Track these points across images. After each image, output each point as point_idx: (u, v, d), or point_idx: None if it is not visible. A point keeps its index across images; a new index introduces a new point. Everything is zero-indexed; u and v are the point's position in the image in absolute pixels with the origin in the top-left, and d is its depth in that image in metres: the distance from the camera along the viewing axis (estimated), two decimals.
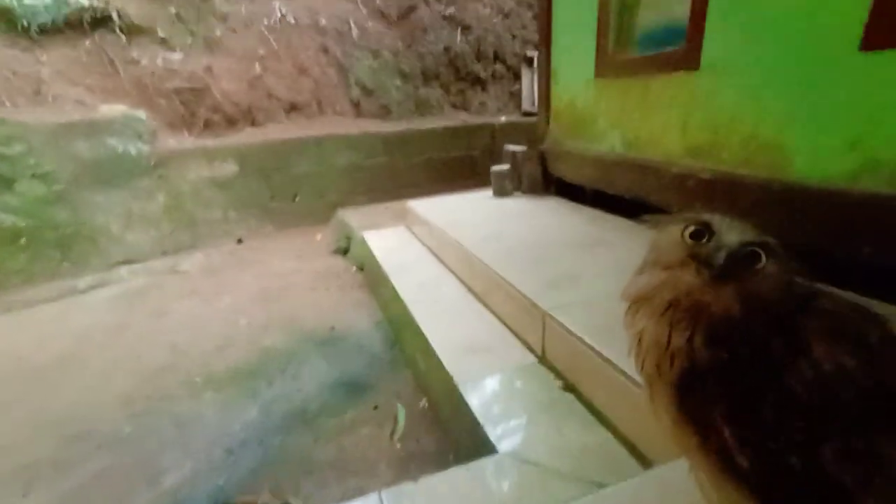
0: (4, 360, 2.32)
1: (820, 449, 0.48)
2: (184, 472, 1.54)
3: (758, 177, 1.85)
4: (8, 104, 3.59)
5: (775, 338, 0.54)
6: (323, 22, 4.98)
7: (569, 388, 1.47)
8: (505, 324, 1.90)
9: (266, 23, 4.78)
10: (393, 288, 2.40)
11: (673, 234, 0.63)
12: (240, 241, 4.17)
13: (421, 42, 5.34)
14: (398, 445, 1.65)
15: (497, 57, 5.75)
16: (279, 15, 4.82)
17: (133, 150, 3.74)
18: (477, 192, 3.87)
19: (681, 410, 0.60)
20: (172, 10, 4.43)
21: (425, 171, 4.99)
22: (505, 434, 1.29)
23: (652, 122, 2.39)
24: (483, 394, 1.47)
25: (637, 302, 0.67)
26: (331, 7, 5.09)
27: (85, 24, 4.07)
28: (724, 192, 1.97)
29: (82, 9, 4.02)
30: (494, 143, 5.29)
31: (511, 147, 3.51)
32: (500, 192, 3.40)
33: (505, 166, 3.42)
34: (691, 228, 0.60)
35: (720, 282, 0.54)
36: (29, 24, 3.83)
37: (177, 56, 4.38)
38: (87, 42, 4.08)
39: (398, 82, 5.24)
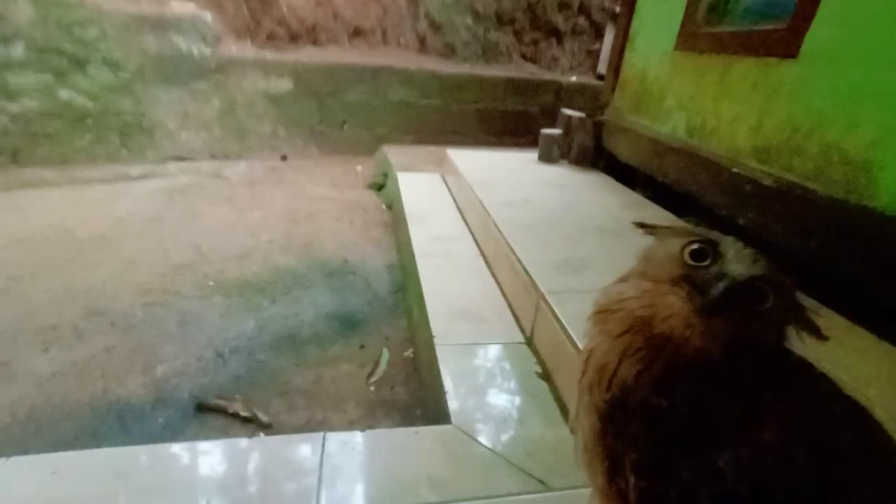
0: (55, 231, 2.56)
1: None
2: (175, 366, 1.67)
3: (829, 195, 1.62)
4: None
5: (731, 403, 0.46)
6: None
7: (545, 376, 1.43)
8: (505, 296, 1.85)
9: None
10: (408, 234, 2.38)
11: (672, 246, 0.55)
12: (284, 157, 4.26)
13: None
14: (372, 388, 1.70)
15: (582, 8, 5.25)
16: None
17: (196, 51, 3.81)
18: (523, 152, 3.69)
19: (597, 439, 0.56)
20: None
21: (478, 121, 4.80)
22: (464, 408, 1.28)
23: (723, 111, 2.12)
24: (457, 362, 1.46)
25: (603, 312, 0.61)
26: None
27: None
28: (784, 205, 1.75)
29: None
30: (558, 102, 4.96)
31: (568, 111, 3.27)
32: (546, 158, 3.22)
33: (556, 130, 3.21)
34: (694, 245, 0.51)
35: (710, 315, 0.45)
36: None
37: None
38: None
39: (469, 21, 4.94)
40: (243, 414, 1.47)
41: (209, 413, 1.50)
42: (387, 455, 1.11)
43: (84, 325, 1.85)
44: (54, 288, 2.06)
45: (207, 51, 3.86)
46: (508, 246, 1.83)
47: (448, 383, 1.36)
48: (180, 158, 3.86)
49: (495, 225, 2.03)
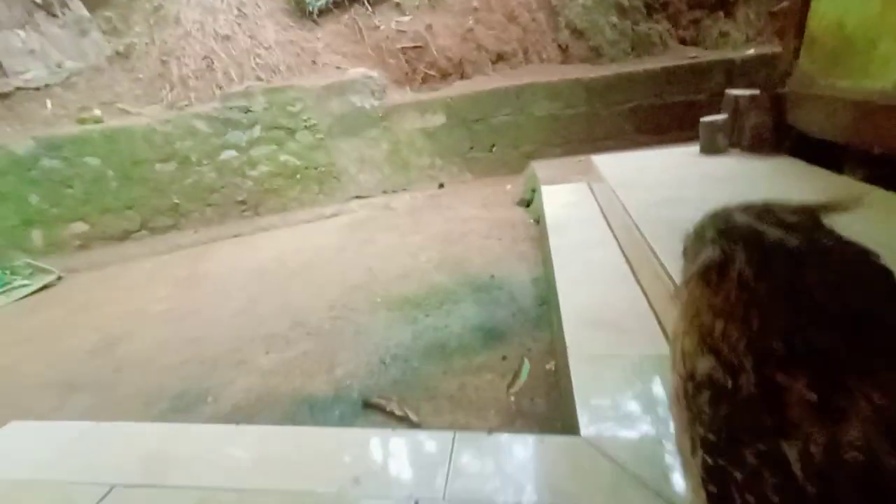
0: (276, 263, 3.35)
1: None
2: (349, 369, 2.02)
3: None
4: (297, 73, 4.80)
5: (804, 387, 0.39)
6: None
7: None
8: (651, 305, 1.70)
9: None
10: (548, 243, 2.38)
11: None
12: (441, 185, 4.69)
13: None
14: (512, 399, 1.74)
15: None
16: None
17: (367, 105, 4.54)
18: (684, 147, 3.30)
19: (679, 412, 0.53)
20: None
21: (632, 121, 4.47)
22: (595, 420, 1.23)
23: None
24: (591, 373, 1.41)
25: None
26: None
27: (345, 2, 4.99)
28: None
29: None
30: (731, 83, 4.27)
31: (734, 92, 2.82)
32: (710, 149, 2.83)
33: (720, 116, 2.79)
34: None
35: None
36: (313, 8, 4.92)
37: (406, 18, 4.96)
38: (346, 17, 5.01)
39: (614, 19, 4.69)
40: (398, 413, 1.69)
41: (372, 409, 1.76)
42: (511, 459, 1.14)
43: (291, 334, 2.38)
44: (274, 305, 2.70)
45: (376, 103, 4.56)
46: (650, 248, 1.68)
47: (579, 395, 1.33)
48: (360, 196, 4.62)
49: (636, 227, 1.88)
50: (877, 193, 1.90)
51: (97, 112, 4.29)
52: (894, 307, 0.42)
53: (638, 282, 1.85)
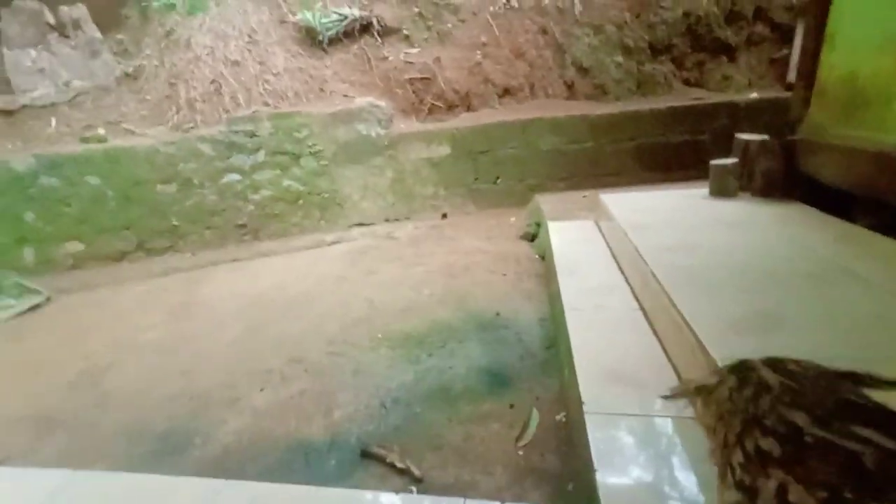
0: (275, 290, 3.25)
1: None
2: (348, 412, 1.91)
3: None
4: (304, 100, 4.82)
5: None
6: (545, 1, 4.88)
7: None
8: (668, 357, 1.62)
9: (491, 10, 5.00)
10: (558, 286, 2.31)
11: None
12: (444, 216, 4.65)
13: (653, 10, 4.69)
14: (521, 452, 1.64)
15: (759, 15, 4.58)
16: (503, 0, 4.95)
17: (373, 134, 4.55)
18: (691, 188, 3.28)
19: None
20: (416, 9, 5.08)
21: (636, 159, 4.48)
22: (615, 492, 1.14)
23: None
24: (610, 434, 1.32)
25: None
26: None
27: (355, 33, 5.07)
28: None
29: (355, 20, 5.00)
30: (735, 126, 4.32)
31: (744, 136, 2.82)
32: (720, 192, 2.80)
33: (730, 160, 2.78)
34: None
35: None
36: (323, 37, 4.99)
37: (415, 50, 5.03)
38: (355, 47, 5.08)
39: (619, 58, 4.77)
40: (399, 465, 1.57)
41: (372, 459, 1.65)
42: None
43: (287, 370, 2.27)
44: (271, 338, 2.60)
45: (382, 132, 4.57)
46: (669, 298, 1.62)
47: (598, 461, 1.23)
48: (362, 224, 4.56)
49: (652, 273, 1.82)
50: (888, 243, 1.86)
51: (101, 131, 4.27)
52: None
53: (654, 331, 1.78)
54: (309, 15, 4.85)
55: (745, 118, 4.27)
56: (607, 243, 2.76)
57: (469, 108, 4.91)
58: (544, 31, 4.92)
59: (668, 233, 2.23)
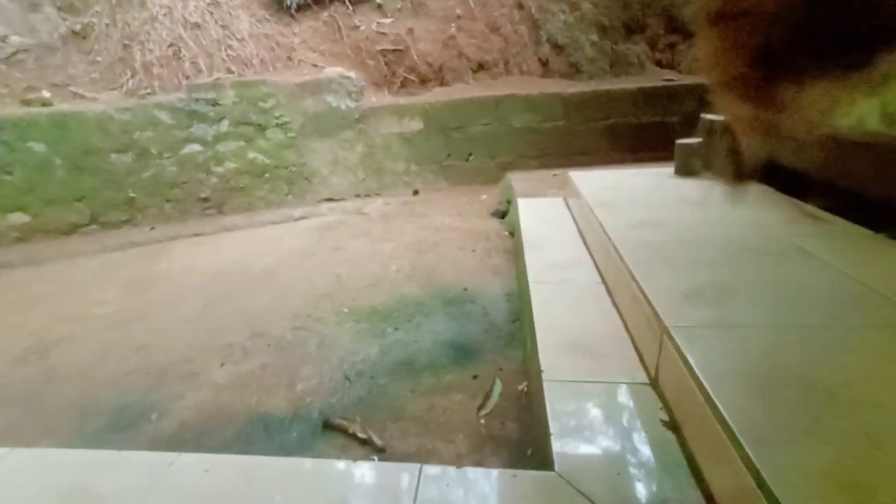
0: (237, 265, 3.16)
1: None
2: (311, 384, 1.89)
3: None
4: (270, 68, 4.61)
5: None
6: None
7: (671, 426, 1.22)
8: (627, 329, 1.66)
9: None
10: (524, 261, 2.33)
11: None
12: (416, 192, 4.59)
13: None
14: (482, 421, 1.66)
15: None
16: None
17: (343, 106, 4.41)
18: (658, 167, 3.34)
19: None
20: None
21: (607, 138, 4.52)
22: (570, 455, 1.17)
23: None
24: (567, 401, 1.35)
25: None
26: None
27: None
28: None
29: None
30: (703, 108, 4.39)
31: (710, 115, 2.87)
32: (684, 171, 2.87)
33: (695, 140, 2.84)
34: None
35: None
36: (291, 2, 4.75)
37: (387, 20, 4.86)
38: (325, 14, 4.87)
39: (594, 37, 4.75)
40: (361, 436, 1.57)
41: (333, 431, 1.64)
42: (480, 496, 1.06)
43: (249, 344, 2.22)
44: (233, 313, 2.53)
45: (353, 104, 4.44)
46: (629, 271, 1.65)
47: (554, 425, 1.26)
48: (331, 199, 4.46)
49: (615, 248, 1.85)
50: (837, 224, 1.95)
51: (46, 94, 3.97)
52: None
53: (615, 305, 1.82)
54: None
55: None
56: (574, 220, 2.79)
57: (442, 83, 4.82)
58: (520, 6, 4.83)
59: (633, 211, 2.27)
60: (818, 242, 1.77)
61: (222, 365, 2.10)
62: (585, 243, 2.43)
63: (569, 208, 3.01)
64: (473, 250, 3.21)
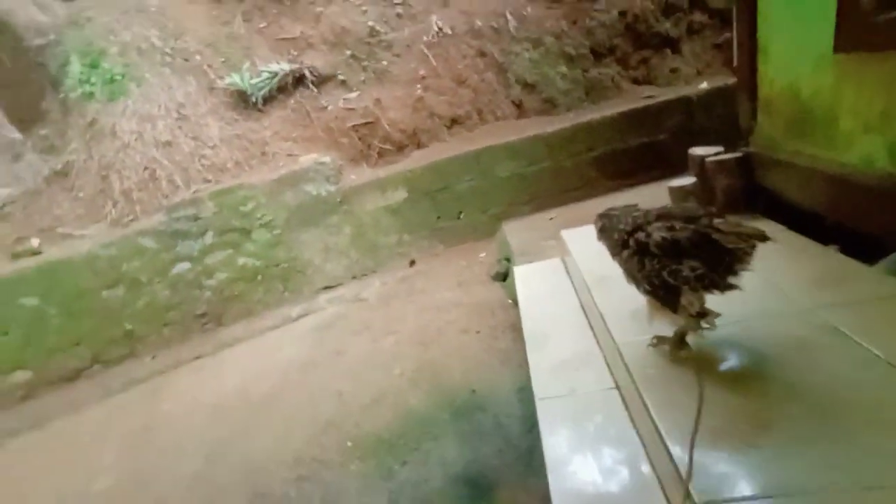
0: (239, 394, 3.03)
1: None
2: None
3: None
4: (246, 168, 4.59)
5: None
6: (478, 24, 4.72)
7: None
8: (653, 466, 1.43)
9: (425, 39, 4.81)
10: (527, 365, 2.12)
11: None
12: (412, 262, 4.45)
13: (589, 14, 4.54)
14: None
15: (695, 4, 4.46)
16: (436, 29, 4.78)
17: (324, 192, 4.33)
18: (654, 189, 3.13)
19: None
20: (347, 51, 4.88)
21: (596, 169, 4.33)
22: None
23: None
24: None
25: None
26: (486, 4, 4.77)
27: (289, 87, 4.85)
28: None
29: (286, 74, 4.78)
30: (692, 120, 4.19)
31: (698, 151, 2.66)
32: None
33: (687, 179, 2.62)
34: None
35: None
36: (256, 98, 4.77)
37: (353, 94, 4.83)
38: (292, 101, 4.86)
39: (563, 68, 4.62)
40: None
41: None
42: None
43: None
44: (234, 466, 2.38)
45: (333, 188, 4.36)
46: (639, 396, 1.43)
47: None
48: (329, 287, 4.35)
49: (620, 355, 1.64)
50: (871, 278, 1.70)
51: (34, 242, 4.01)
52: None
53: (633, 424, 1.59)
54: (237, 78, 4.63)
55: (700, 111, 4.14)
56: (576, 291, 2.58)
57: (419, 146, 4.72)
58: (483, 54, 4.75)
59: (623, 281, 2.05)
60: (854, 317, 1.52)
61: None
62: (591, 324, 2.21)
63: (568, 274, 2.80)
64: (478, 332, 3.02)
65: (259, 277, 4.21)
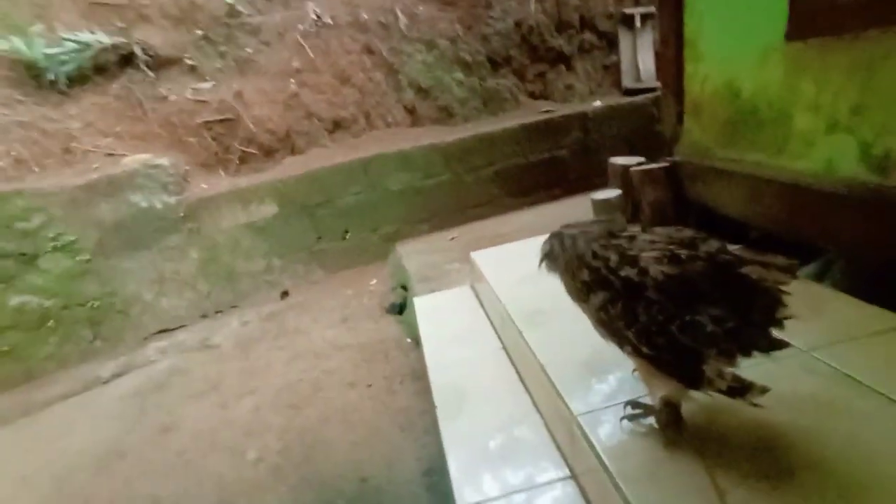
0: None
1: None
2: None
3: None
4: (36, 169, 3.29)
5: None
6: (364, 17, 4.13)
7: None
8: None
9: (301, 28, 4.07)
10: (441, 439, 1.49)
11: None
12: (285, 293, 3.56)
13: (484, 20, 4.26)
14: None
15: (585, 23, 4.45)
16: (314, 17, 4.07)
17: (158, 204, 3.26)
18: (570, 216, 2.78)
19: None
20: (199, 31, 3.90)
21: (498, 185, 3.97)
22: None
23: None
24: None
25: None
26: None
27: (112, 66, 3.68)
28: None
29: (105, 49, 3.62)
30: (588, 136, 4.08)
31: (619, 160, 2.36)
32: None
33: (612, 192, 2.29)
34: None
35: None
36: (56, 76, 3.50)
37: (206, 85, 3.85)
38: (115, 85, 3.69)
39: (459, 76, 4.24)
40: None
41: None
42: None
43: None
44: None
45: (172, 199, 3.31)
46: (591, 446, 0.88)
47: None
48: (165, 331, 3.24)
49: (582, 433, 1.09)
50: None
51: None
52: None
53: (573, 475, 1.04)
54: (21, 44, 3.34)
55: (596, 129, 4.05)
56: (494, 328, 2.03)
57: (293, 151, 3.91)
58: (370, 51, 4.15)
59: (576, 325, 1.56)
60: (859, 358, 1.19)
61: None
62: (522, 379, 1.67)
63: (482, 305, 2.26)
64: (369, 385, 2.31)
65: (50, 323, 2.95)
